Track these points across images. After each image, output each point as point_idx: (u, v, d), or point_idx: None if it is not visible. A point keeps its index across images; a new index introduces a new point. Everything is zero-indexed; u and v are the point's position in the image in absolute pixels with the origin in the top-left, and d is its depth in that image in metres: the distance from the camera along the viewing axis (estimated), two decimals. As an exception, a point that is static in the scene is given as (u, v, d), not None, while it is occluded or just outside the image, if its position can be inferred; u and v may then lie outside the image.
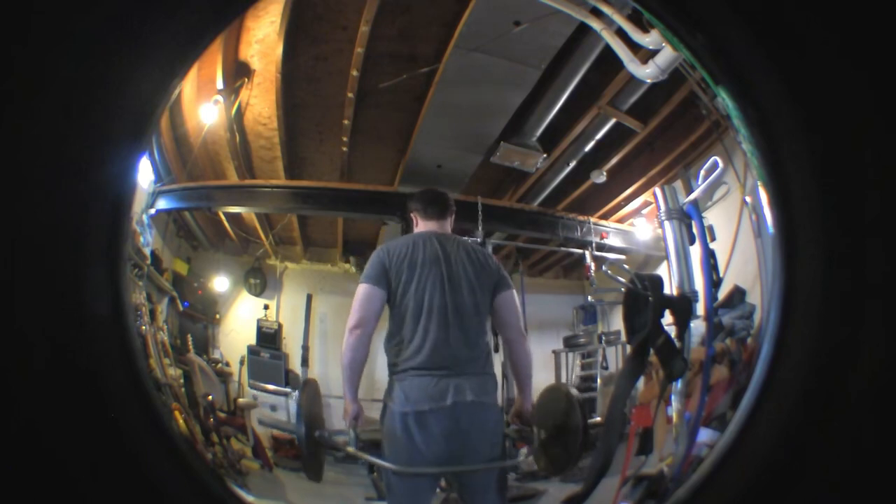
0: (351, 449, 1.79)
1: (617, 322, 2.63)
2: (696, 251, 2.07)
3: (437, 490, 1.87)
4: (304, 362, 2.58)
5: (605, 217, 2.66)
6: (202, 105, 2.29)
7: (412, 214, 2.02)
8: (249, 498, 1.77)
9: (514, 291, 1.90)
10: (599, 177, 2.58)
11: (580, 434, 1.84)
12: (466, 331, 1.77)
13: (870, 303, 0.82)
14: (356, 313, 1.78)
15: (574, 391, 2.04)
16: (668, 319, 1.59)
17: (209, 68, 2.23)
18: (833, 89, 0.81)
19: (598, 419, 2.33)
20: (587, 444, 1.83)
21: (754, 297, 1.82)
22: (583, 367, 2.74)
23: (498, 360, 1.95)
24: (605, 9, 1.95)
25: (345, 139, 2.48)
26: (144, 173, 2.13)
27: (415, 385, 1.72)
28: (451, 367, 1.73)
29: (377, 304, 1.79)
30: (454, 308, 1.78)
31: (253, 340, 2.54)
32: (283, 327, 2.60)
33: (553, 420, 1.91)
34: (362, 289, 1.80)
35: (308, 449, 1.86)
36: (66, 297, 0.74)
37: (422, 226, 1.98)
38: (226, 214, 2.64)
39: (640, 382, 1.87)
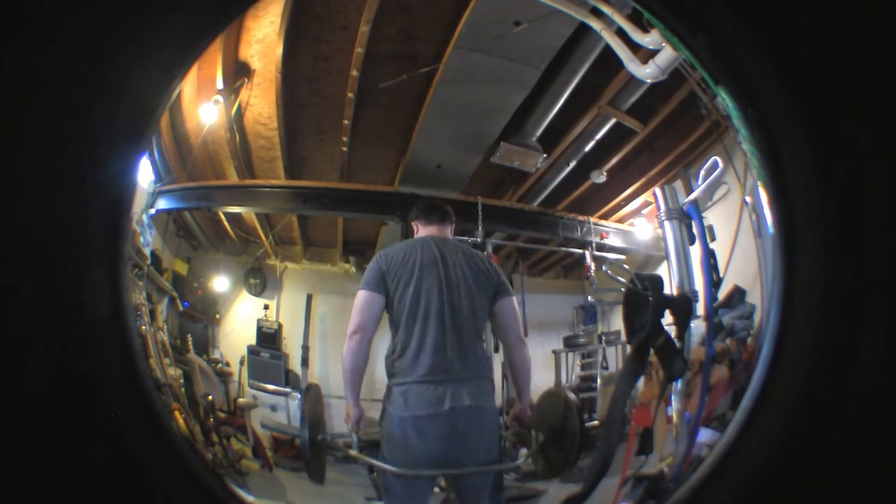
0: (353, 452, 1.81)
1: (617, 322, 2.63)
2: (696, 251, 2.06)
3: (436, 490, 1.87)
4: (304, 362, 2.58)
5: (605, 217, 2.66)
6: (202, 105, 2.29)
7: (413, 223, 2.04)
8: (249, 498, 1.76)
9: (514, 298, 1.91)
10: (599, 177, 2.58)
11: (577, 438, 1.85)
12: (463, 335, 1.77)
13: (869, 302, 0.82)
14: (355, 318, 1.79)
15: (572, 396, 2.05)
16: (668, 319, 1.59)
17: (209, 68, 2.23)
18: (833, 89, 0.81)
19: (596, 422, 2.33)
20: (584, 448, 1.83)
21: (754, 297, 1.82)
22: (583, 367, 2.74)
23: (498, 361, 1.95)
24: (605, 9, 1.95)
25: (345, 139, 2.48)
26: (144, 173, 2.13)
27: (413, 391, 1.72)
28: (449, 371, 1.73)
29: (376, 310, 1.80)
30: (451, 312, 1.78)
31: (253, 340, 2.54)
32: (283, 327, 2.60)
33: (551, 424, 1.92)
34: (361, 295, 1.81)
35: (311, 452, 1.88)
36: (66, 297, 0.74)
37: (422, 231, 1.99)
38: (226, 214, 2.64)
39: (640, 382, 1.87)
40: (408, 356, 1.76)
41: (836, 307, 0.83)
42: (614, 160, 2.57)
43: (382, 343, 1.84)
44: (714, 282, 1.98)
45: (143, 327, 1.99)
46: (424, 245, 1.88)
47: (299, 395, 2.45)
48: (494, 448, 1.79)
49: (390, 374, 1.79)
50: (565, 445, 1.88)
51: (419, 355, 1.75)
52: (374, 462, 1.75)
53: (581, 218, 2.66)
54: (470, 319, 1.80)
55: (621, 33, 1.98)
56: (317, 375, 2.57)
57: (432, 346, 1.74)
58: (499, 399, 1.94)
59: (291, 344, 2.57)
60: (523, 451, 1.95)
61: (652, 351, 1.56)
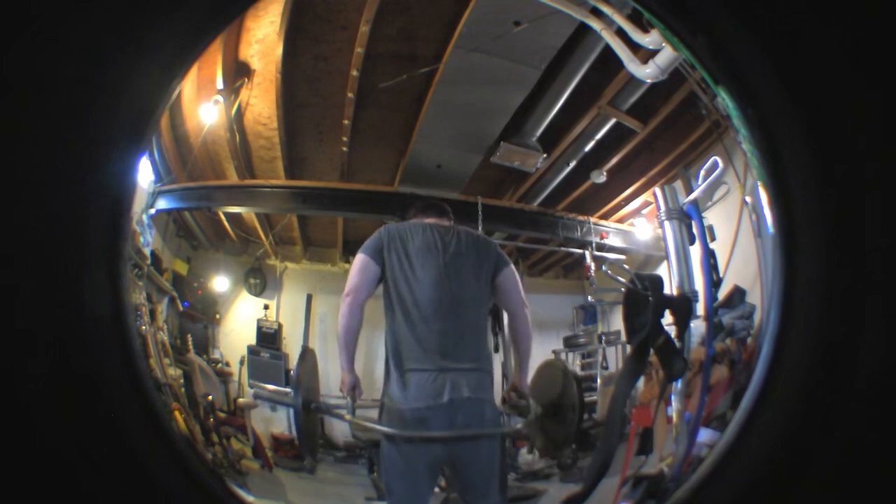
0: (348, 416, 1.81)
1: (617, 322, 2.63)
2: (696, 251, 2.07)
3: (437, 490, 1.87)
4: (304, 362, 2.57)
5: (605, 217, 2.66)
6: (202, 105, 2.29)
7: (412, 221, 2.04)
8: (249, 498, 1.77)
9: (513, 266, 1.92)
10: (599, 177, 2.58)
11: (577, 411, 1.85)
12: (463, 325, 1.77)
13: (869, 302, 0.82)
14: (350, 281, 1.82)
15: (571, 367, 2.03)
16: (668, 319, 1.59)
17: (209, 68, 2.23)
18: (833, 89, 0.81)
19: (596, 398, 2.33)
20: (583, 421, 1.83)
21: (754, 297, 1.82)
22: (583, 367, 2.74)
23: (498, 361, 1.95)
24: (605, 9, 1.95)
25: (345, 139, 2.48)
26: (144, 173, 2.13)
27: (412, 382, 1.72)
28: (447, 361, 1.73)
29: (371, 274, 1.82)
30: (451, 302, 1.78)
31: (253, 340, 2.54)
32: (283, 327, 2.60)
33: (549, 395, 1.91)
34: (359, 258, 1.84)
35: (304, 419, 1.87)
36: (66, 297, 0.74)
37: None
38: (226, 214, 2.64)
39: (640, 382, 1.87)
40: (408, 343, 1.75)
41: (836, 307, 0.83)
42: (614, 160, 2.57)
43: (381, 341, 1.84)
44: (714, 282, 1.99)
45: (143, 327, 1.99)
46: (425, 228, 1.89)
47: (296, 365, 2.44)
48: (495, 441, 1.79)
49: (388, 360, 1.79)
50: (564, 418, 1.87)
51: (417, 345, 1.74)
52: (370, 424, 1.74)
53: (581, 218, 2.66)
54: (470, 309, 1.80)
55: (621, 33, 1.98)
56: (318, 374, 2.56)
57: (432, 333, 1.74)
58: (498, 398, 1.94)
59: (291, 344, 2.57)
60: (523, 450, 1.95)
61: (652, 351, 1.56)
